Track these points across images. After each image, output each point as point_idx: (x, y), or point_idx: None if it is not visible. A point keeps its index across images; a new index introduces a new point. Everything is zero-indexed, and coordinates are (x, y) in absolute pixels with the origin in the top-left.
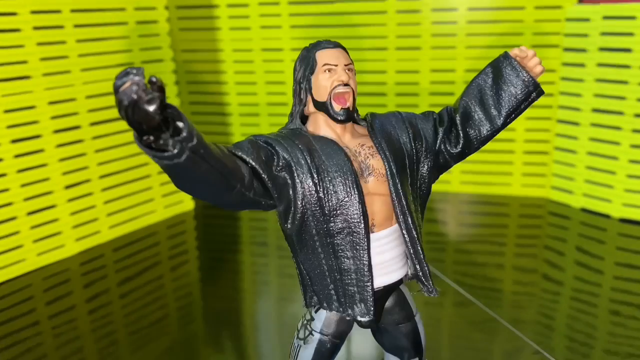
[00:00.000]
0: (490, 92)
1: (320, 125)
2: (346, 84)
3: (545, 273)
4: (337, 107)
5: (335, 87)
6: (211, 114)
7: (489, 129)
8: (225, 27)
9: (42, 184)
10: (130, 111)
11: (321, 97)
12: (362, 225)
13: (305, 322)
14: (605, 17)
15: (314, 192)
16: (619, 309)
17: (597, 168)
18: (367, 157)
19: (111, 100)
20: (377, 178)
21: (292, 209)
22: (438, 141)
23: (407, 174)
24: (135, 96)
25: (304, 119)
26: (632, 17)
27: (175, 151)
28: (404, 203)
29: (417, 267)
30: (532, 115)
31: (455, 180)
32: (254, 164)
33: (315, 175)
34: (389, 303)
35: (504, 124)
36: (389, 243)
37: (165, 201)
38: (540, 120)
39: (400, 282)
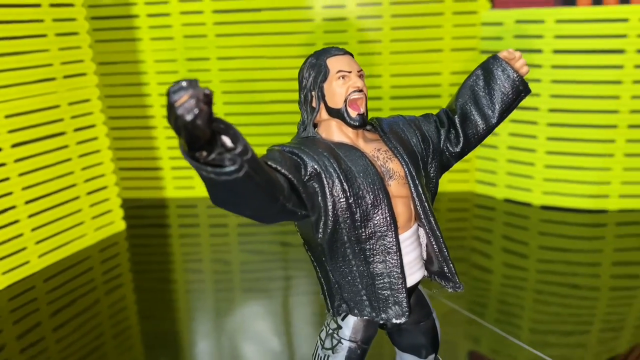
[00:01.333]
0: (483, 93)
1: (334, 132)
2: (360, 90)
3: (474, 261)
4: (353, 113)
5: (351, 93)
6: (134, 128)
7: (485, 127)
8: (146, 37)
9: None
10: (190, 126)
11: (336, 104)
12: (393, 228)
13: (330, 331)
14: (518, 21)
15: (343, 199)
16: (544, 288)
17: (517, 161)
18: (386, 160)
19: (33, 118)
20: (398, 181)
21: (324, 218)
22: (442, 142)
23: (422, 174)
24: (197, 111)
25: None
26: (541, 21)
27: (236, 166)
28: (426, 204)
29: (443, 264)
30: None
31: None
32: (289, 174)
33: (344, 182)
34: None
35: (498, 122)
36: (411, 244)
37: (95, 223)
38: None
39: (419, 282)
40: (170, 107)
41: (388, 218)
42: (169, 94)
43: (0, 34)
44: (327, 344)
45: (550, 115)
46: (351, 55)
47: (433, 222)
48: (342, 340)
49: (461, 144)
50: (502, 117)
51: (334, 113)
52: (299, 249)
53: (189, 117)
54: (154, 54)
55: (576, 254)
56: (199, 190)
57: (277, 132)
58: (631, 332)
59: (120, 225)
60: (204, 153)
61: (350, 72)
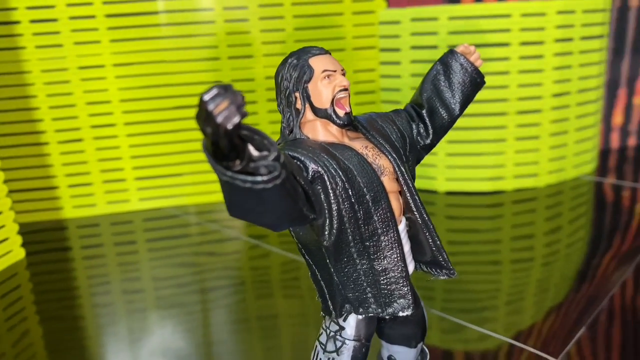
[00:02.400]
0: (444, 86)
1: (319, 132)
2: (346, 89)
3: None
4: (340, 112)
5: (337, 92)
6: (23, 145)
7: (450, 119)
8: (30, 45)
9: None
10: (231, 134)
11: (322, 104)
12: (393, 223)
13: (332, 334)
14: (413, 19)
15: (347, 199)
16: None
17: None
18: (376, 157)
19: None
20: (389, 177)
21: (329, 220)
22: (414, 135)
23: (407, 168)
24: (238, 119)
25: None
26: (435, 19)
27: (275, 173)
28: (416, 197)
29: (437, 253)
30: (358, 112)
31: None
32: (298, 176)
33: (346, 182)
34: None
35: (460, 113)
36: (405, 237)
37: None
38: None
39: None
40: (208, 116)
41: (388, 214)
42: (204, 101)
43: None
44: (330, 347)
45: None
46: (329, 54)
47: (424, 214)
48: (346, 341)
49: (431, 137)
50: (463, 108)
51: (321, 113)
52: (214, 259)
53: (230, 126)
54: (41, 64)
55: (480, 234)
56: (100, 207)
57: (183, 139)
58: (532, 296)
59: (19, 254)
60: (237, 162)
61: (335, 71)
